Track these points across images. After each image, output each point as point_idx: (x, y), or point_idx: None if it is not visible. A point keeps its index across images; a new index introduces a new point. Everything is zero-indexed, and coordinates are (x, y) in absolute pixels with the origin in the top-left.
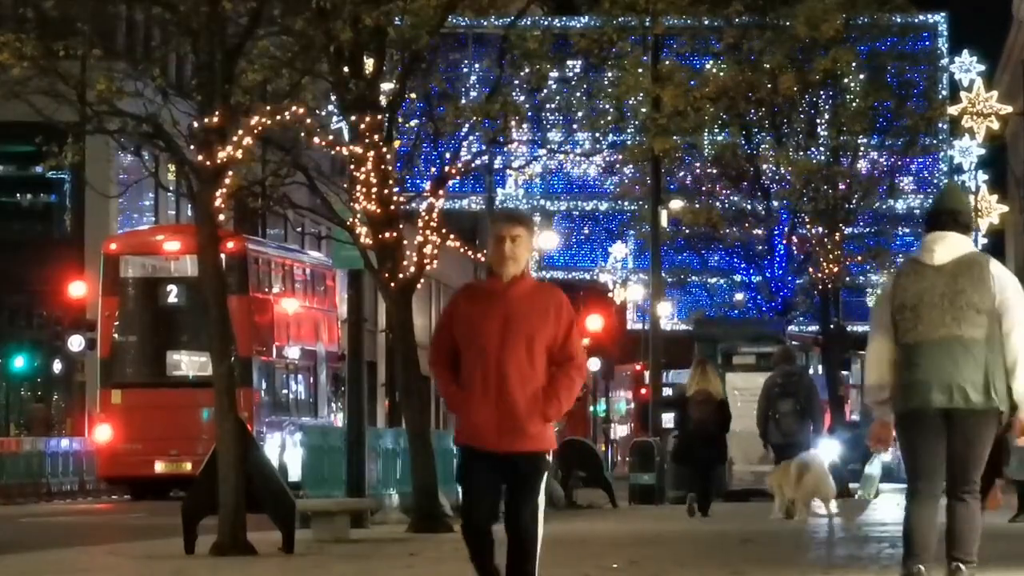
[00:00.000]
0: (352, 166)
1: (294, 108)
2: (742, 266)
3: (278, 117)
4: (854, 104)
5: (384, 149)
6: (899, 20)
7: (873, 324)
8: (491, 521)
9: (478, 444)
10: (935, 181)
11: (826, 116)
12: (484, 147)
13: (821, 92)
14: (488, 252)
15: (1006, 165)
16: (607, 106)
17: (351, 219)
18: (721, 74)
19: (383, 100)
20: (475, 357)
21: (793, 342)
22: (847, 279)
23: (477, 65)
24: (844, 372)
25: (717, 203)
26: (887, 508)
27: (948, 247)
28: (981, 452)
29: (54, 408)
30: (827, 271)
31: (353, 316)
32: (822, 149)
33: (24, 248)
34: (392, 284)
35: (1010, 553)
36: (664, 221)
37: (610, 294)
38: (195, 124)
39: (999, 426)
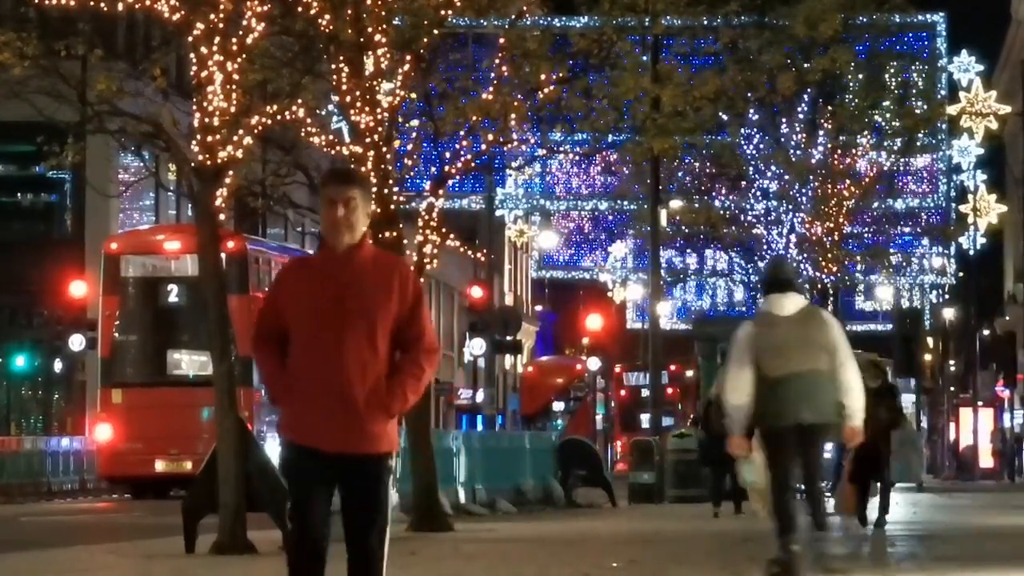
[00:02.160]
0: (352, 166)
1: (294, 108)
2: (741, 265)
3: (278, 117)
4: (853, 104)
5: (384, 149)
6: (898, 20)
7: (737, 359)
8: (326, 530)
9: (306, 442)
10: (934, 180)
11: (826, 115)
12: (484, 147)
13: (820, 92)
14: (320, 220)
15: (1004, 165)
16: (607, 105)
17: None
18: (720, 74)
19: (383, 100)
20: (306, 342)
21: None
22: (846, 279)
23: (477, 65)
24: None
25: (716, 202)
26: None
27: (793, 303)
28: (821, 455)
29: (55, 407)
30: (826, 270)
31: None
32: (821, 149)
33: (24, 248)
34: None
35: (1009, 553)
36: (664, 221)
37: (609, 294)
38: (195, 123)
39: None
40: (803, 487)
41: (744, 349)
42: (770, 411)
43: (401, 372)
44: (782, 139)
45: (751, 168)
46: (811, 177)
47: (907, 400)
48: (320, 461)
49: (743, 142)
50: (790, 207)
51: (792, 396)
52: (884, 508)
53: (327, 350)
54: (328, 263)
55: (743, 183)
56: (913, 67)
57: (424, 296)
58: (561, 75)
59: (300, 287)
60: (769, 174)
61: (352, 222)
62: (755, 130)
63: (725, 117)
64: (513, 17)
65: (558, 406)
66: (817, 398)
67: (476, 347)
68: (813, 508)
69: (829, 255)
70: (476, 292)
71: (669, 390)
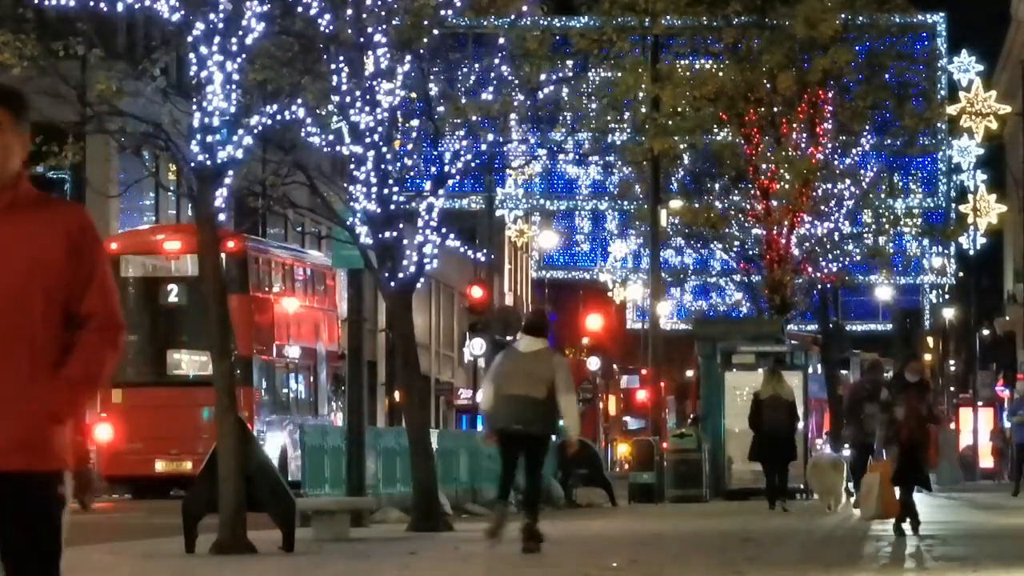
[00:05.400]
0: (352, 166)
1: (294, 108)
2: (741, 266)
3: (278, 117)
4: (853, 104)
5: (384, 149)
6: (898, 20)
7: (488, 380)
8: None
9: None
10: (934, 180)
11: (827, 116)
12: (484, 147)
13: (820, 91)
14: None
15: (1004, 165)
16: (607, 103)
17: (351, 219)
18: (720, 74)
19: (383, 100)
20: None
21: (792, 341)
22: (846, 278)
23: (477, 65)
24: (843, 371)
25: (716, 203)
26: None
27: (531, 344)
28: (542, 459)
29: None
30: (827, 270)
31: (353, 316)
32: (821, 149)
33: None
34: (392, 284)
35: (1010, 552)
36: (664, 221)
37: (609, 294)
38: (195, 123)
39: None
40: (526, 476)
41: (492, 374)
42: (499, 418)
43: (72, 361)
44: (782, 139)
45: (751, 168)
46: (811, 177)
47: None
48: None
49: (742, 142)
50: (790, 207)
51: (510, 410)
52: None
53: None
54: None
55: (743, 183)
56: (913, 67)
57: (107, 258)
58: (561, 75)
59: None
60: (769, 174)
61: None
62: (755, 129)
63: (725, 117)
64: (513, 17)
65: None
66: (527, 414)
67: (476, 347)
68: (529, 491)
69: (829, 255)
70: (476, 292)
71: (644, 394)
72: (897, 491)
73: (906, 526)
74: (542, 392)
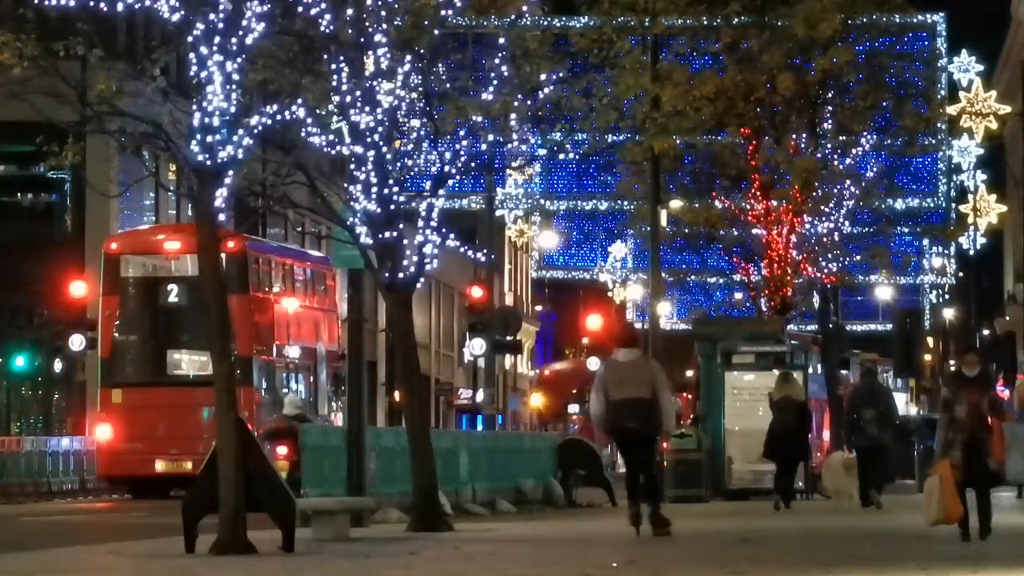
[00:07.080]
0: (352, 166)
1: (294, 108)
2: (741, 265)
3: (278, 117)
4: (853, 104)
5: (384, 149)
6: (898, 20)
7: (596, 387)
8: None
9: None
10: (934, 180)
11: (826, 115)
12: (484, 147)
13: (820, 91)
14: None
15: (1005, 165)
16: (606, 101)
17: (351, 219)
18: (720, 74)
19: (383, 100)
20: None
21: (792, 341)
22: (846, 278)
23: (477, 65)
24: (843, 372)
25: (716, 203)
26: (887, 507)
27: (629, 354)
28: (655, 452)
29: (55, 407)
30: (827, 270)
31: (353, 316)
32: (821, 149)
33: (24, 248)
34: (392, 284)
35: (1009, 553)
36: (664, 221)
37: (609, 294)
38: (195, 123)
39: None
40: (643, 469)
41: (600, 383)
42: (613, 421)
43: None
44: (782, 139)
45: (751, 168)
46: (811, 177)
47: (900, 399)
48: None
49: (742, 142)
50: (790, 207)
51: (624, 412)
52: (986, 512)
53: None
54: None
55: (743, 183)
56: (913, 67)
57: None
58: (561, 75)
59: None
60: (769, 173)
61: None
62: (755, 129)
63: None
64: (513, 17)
65: (573, 408)
66: (639, 414)
67: (476, 347)
68: (647, 482)
69: (829, 255)
70: (476, 292)
71: None
72: (969, 494)
73: (973, 523)
74: (647, 392)
